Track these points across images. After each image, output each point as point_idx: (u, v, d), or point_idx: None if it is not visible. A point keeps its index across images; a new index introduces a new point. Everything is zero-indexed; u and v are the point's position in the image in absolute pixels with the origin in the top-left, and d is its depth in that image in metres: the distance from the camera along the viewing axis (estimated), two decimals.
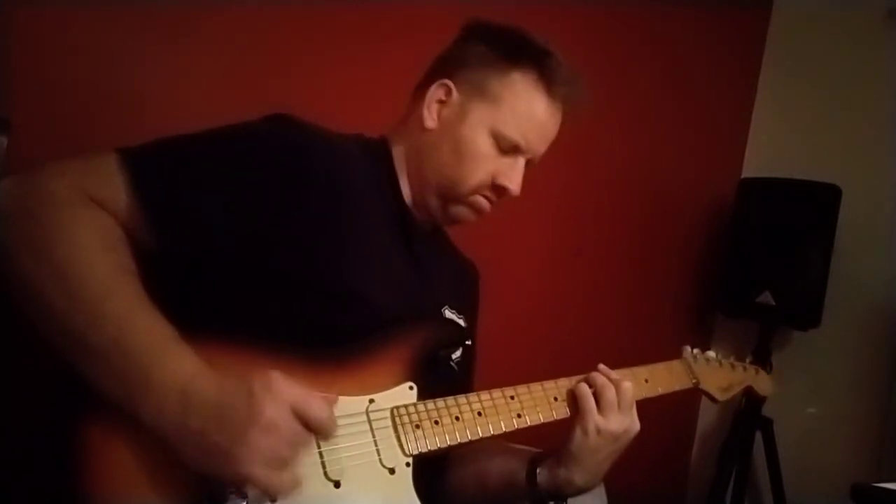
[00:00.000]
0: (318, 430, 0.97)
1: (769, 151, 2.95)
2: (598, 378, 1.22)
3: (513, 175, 1.26)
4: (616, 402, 1.20)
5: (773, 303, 2.58)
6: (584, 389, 1.21)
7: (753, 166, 2.95)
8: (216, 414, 0.91)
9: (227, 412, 0.91)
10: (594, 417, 1.19)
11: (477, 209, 1.29)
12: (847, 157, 2.72)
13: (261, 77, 1.73)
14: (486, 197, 1.28)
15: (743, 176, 2.89)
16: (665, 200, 2.74)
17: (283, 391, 0.93)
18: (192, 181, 1.05)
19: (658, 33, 2.62)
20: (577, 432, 1.19)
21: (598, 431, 1.18)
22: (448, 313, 1.29)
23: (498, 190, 1.27)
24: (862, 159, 2.69)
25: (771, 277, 2.60)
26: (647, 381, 1.30)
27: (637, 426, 1.22)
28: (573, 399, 1.22)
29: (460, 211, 1.29)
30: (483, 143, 1.24)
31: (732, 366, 1.51)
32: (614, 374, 1.23)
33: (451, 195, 1.27)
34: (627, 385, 1.21)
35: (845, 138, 2.75)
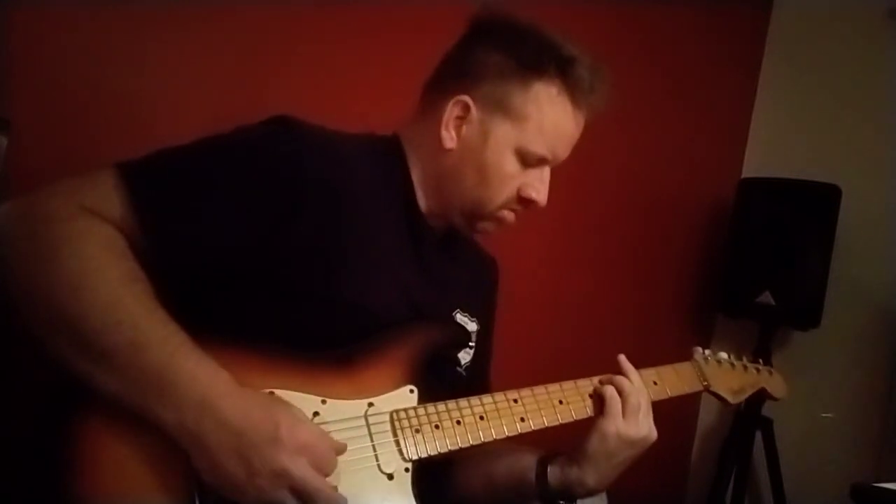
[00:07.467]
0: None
1: (769, 151, 2.94)
2: (625, 383, 1.21)
3: (540, 187, 1.23)
4: (639, 408, 1.19)
5: (773, 303, 2.58)
6: (613, 393, 1.19)
7: (753, 166, 2.94)
8: (234, 441, 0.91)
9: (245, 445, 0.91)
10: (617, 421, 1.18)
11: (503, 222, 1.26)
12: (847, 157, 2.71)
13: (262, 77, 1.73)
14: (512, 209, 1.24)
15: (743, 176, 2.88)
16: (665, 200, 2.74)
17: (306, 443, 0.94)
18: (189, 196, 1.04)
19: (658, 33, 2.61)
20: (597, 434, 1.19)
21: (618, 436, 1.18)
22: (459, 318, 1.27)
23: (524, 202, 1.23)
24: (862, 159, 2.69)
25: (771, 277, 2.59)
26: (655, 383, 1.28)
27: (654, 435, 1.21)
28: (599, 400, 1.21)
29: (486, 226, 1.26)
30: (508, 163, 1.20)
31: (745, 367, 1.47)
32: (636, 375, 1.23)
33: (476, 214, 1.23)
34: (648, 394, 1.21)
35: (845, 138, 2.75)
